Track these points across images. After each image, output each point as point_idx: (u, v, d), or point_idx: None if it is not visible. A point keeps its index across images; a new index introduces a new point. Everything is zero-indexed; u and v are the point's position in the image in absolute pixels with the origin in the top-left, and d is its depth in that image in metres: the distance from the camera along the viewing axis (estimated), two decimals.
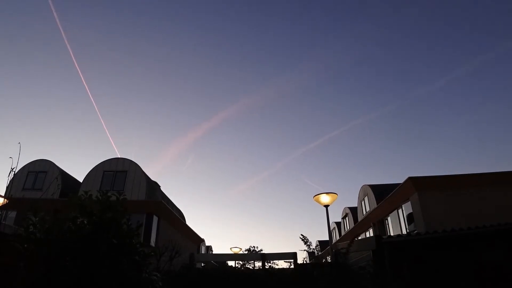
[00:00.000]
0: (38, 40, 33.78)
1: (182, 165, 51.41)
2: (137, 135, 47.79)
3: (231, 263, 17.30)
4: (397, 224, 17.74)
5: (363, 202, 24.29)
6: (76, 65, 34.52)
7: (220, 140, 48.90)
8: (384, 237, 8.42)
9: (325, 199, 10.17)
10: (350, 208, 28.79)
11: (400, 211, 17.37)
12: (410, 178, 15.25)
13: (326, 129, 53.36)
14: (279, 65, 44.59)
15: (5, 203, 5.19)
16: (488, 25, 35.97)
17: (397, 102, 44.55)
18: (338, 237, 31.76)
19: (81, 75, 35.03)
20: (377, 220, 20.45)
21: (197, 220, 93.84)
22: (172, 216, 20.53)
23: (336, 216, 33.67)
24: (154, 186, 21.83)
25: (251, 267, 13.58)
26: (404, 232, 16.45)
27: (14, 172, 4.21)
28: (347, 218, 29.76)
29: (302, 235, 9.69)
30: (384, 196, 18.53)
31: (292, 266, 11.07)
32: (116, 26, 36.83)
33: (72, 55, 34.25)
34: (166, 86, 42.15)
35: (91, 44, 36.53)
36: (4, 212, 4.36)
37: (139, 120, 43.84)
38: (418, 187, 15.10)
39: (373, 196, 21.92)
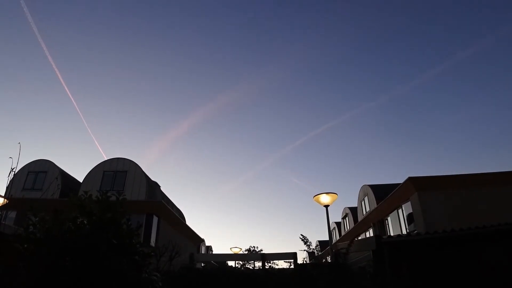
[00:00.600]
0: (19, 46, 34.02)
1: (169, 163, 51.41)
2: (124, 134, 47.70)
3: (231, 263, 17.31)
4: (397, 224, 17.74)
5: (363, 202, 24.29)
6: (56, 69, 34.74)
7: (205, 138, 48.97)
8: (384, 237, 8.42)
9: (325, 199, 10.17)
10: (350, 208, 28.79)
11: (400, 211, 17.37)
12: (410, 178, 15.25)
13: (326, 121, 53.35)
14: (264, 60, 44.57)
15: (5, 203, 5.19)
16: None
17: (397, 100, 44.55)
18: (338, 237, 31.76)
19: (61, 79, 35.14)
20: (377, 220, 20.45)
21: (197, 220, 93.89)
22: (172, 216, 20.53)
23: (336, 216, 33.71)
24: (154, 186, 21.83)
25: (251, 267, 13.58)
26: (404, 232, 16.45)
27: (14, 172, 4.21)
28: (347, 218, 29.76)
29: (302, 235, 9.72)
30: (384, 196, 18.52)
31: (292, 266, 11.09)
32: (94, 27, 36.80)
33: (49, 57, 34.40)
34: (147, 85, 41.88)
35: (71, 45, 36.71)
36: (4, 212, 4.36)
37: (124, 120, 43.62)
38: (418, 187, 15.10)
39: (373, 196, 21.92)
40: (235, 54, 42.48)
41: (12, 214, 14.67)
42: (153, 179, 22.29)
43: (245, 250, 20.17)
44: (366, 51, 42.14)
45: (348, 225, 29.35)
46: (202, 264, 16.24)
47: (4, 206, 4.77)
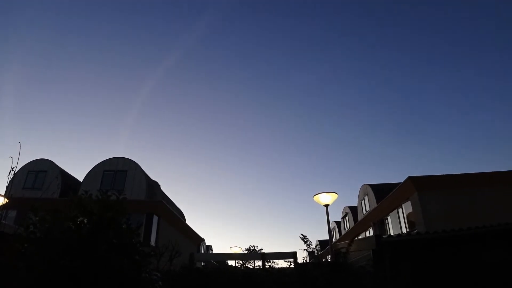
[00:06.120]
0: None
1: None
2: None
3: (231, 262, 17.28)
4: (397, 224, 17.74)
5: (363, 202, 24.29)
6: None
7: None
8: (384, 236, 8.42)
9: (325, 198, 10.16)
10: (350, 207, 28.79)
11: (400, 210, 17.37)
12: (410, 178, 15.24)
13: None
14: None
15: (5, 202, 5.19)
16: None
17: (397, 100, 44.53)
18: (338, 237, 31.77)
19: None
20: (377, 219, 20.45)
21: (197, 220, 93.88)
22: (172, 216, 20.52)
23: (336, 215, 33.69)
24: (154, 186, 21.82)
25: (251, 267, 13.57)
26: (404, 231, 16.45)
27: (14, 171, 4.21)
28: (347, 217, 29.77)
29: (302, 234, 9.64)
30: (384, 195, 18.52)
31: (292, 266, 11.07)
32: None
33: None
34: None
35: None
36: (4, 212, 4.36)
37: None
38: (418, 187, 15.10)
39: (373, 195, 21.92)
40: None
41: (12, 214, 14.66)
42: (153, 178, 22.29)
43: (245, 250, 20.13)
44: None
45: (348, 224, 29.35)
46: (202, 264, 16.22)
47: (4, 205, 4.77)
